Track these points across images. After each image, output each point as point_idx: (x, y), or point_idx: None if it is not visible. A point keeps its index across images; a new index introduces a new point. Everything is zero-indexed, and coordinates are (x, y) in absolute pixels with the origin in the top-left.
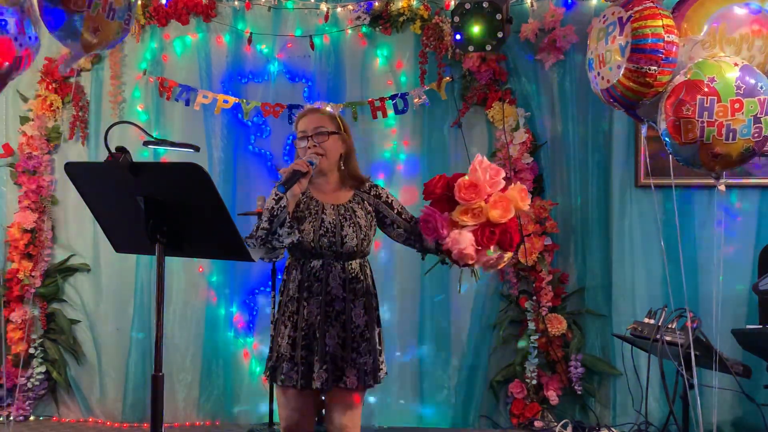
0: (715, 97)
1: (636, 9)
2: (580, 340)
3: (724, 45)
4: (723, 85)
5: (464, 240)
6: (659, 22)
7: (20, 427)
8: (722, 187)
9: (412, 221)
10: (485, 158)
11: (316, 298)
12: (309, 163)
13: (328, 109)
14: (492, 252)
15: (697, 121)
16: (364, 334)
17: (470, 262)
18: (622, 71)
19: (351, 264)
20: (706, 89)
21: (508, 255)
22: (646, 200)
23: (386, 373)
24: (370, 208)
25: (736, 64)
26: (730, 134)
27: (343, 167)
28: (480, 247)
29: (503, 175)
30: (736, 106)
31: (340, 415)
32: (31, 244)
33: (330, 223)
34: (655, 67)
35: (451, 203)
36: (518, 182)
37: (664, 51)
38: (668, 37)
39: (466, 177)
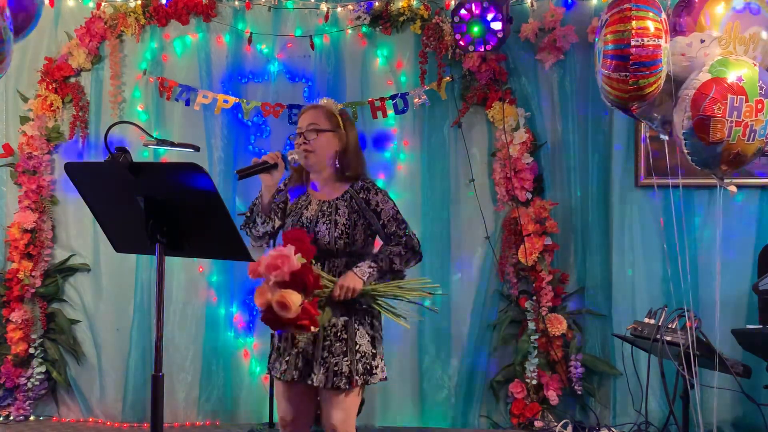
0: (744, 97)
1: (611, 12)
2: (581, 340)
3: (737, 44)
4: (750, 84)
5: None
6: (629, 26)
7: (20, 427)
8: (733, 188)
9: (393, 237)
10: (285, 250)
11: None
12: (282, 157)
13: (330, 105)
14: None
15: (727, 120)
16: (340, 334)
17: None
18: (601, 77)
19: (335, 262)
20: (734, 87)
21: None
22: (646, 200)
23: (384, 378)
24: (357, 208)
25: (755, 64)
26: (752, 135)
27: (338, 164)
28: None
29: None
30: (759, 106)
31: (329, 414)
32: (31, 244)
33: (307, 218)
34: (626, 73)
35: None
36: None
37: (632, 56)
38: (639, 41)
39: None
